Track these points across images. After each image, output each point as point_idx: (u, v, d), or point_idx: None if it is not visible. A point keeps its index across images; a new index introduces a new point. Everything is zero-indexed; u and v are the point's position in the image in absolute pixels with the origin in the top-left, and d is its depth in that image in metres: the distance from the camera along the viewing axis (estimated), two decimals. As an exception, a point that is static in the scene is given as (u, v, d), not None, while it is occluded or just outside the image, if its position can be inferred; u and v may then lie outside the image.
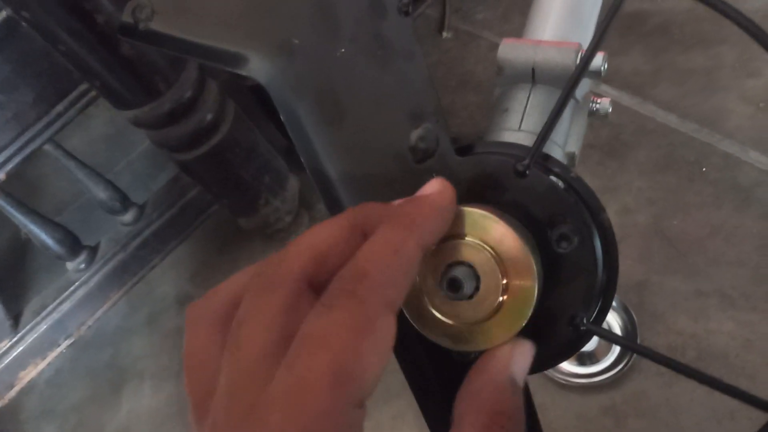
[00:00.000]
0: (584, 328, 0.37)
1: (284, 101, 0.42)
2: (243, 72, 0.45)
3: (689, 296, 0.94)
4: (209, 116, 0.94)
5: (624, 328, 0.91)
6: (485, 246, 0.34)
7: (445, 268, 0.34)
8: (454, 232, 0.33)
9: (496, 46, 0.45)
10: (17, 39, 0.79)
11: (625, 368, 0.88)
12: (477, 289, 0.34)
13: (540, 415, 0.37)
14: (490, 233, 0.34)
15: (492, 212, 0.34)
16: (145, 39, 0.45)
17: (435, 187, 0.27)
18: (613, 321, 0.92)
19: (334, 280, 0.19)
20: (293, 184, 1.18)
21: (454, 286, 0.33)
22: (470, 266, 0.34)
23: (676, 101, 1.14)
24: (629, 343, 0.44)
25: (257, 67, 0.43)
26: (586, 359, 0.91)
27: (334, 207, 0.41)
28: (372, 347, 0.18)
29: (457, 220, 0.33)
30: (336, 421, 0.17)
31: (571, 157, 0.49)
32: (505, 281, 0.33)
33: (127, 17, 0.46)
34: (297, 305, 0.19)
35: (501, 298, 0.34)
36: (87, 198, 0.99)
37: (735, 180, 1.02)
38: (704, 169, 1.05)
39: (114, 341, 1.27)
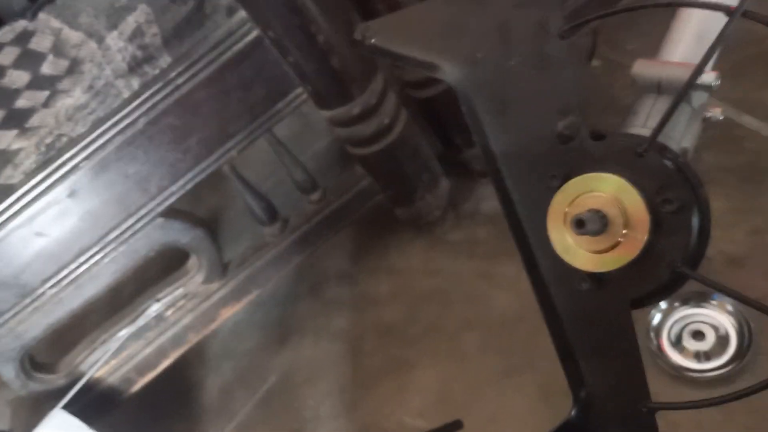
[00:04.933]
0: (679, 270, 0.50)
1: (466, 97, 0.59)
2: (437, 76, 0.63)
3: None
4: (386, 120, 1.16)
5: (739, 332, 0.98)
6: (617, 201, 0.48)
7: (584, 212, 0.49)
8: (596, 189, 0.46)
9: (642, 75, 0.57)
10: (259, 50, 1.06)
11: (737, 368, 0.96)
12: (603, 229, 0.48)
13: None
14: (621, 192, 0.48)
15: (622, 177, 0.48)
16: (369, 51, 0.66)
17: None
18: (729, 325, 0.99)
19: None
20: (444, 184, 1.36)
21: (579, 224, 0.49)
22: (599, 212, 0.48)
23: (818, 134, 1.18)
24: (720, 285, 0.45)
25: (449, 73, 0.60)
26: (701, 357, 1.00)
27: (496, 174, 0.58)
28: None
29: (599, 181, 0.47)
30: None
31: (685, 150, 0.60)
32: (625, 231, 0.48)
33: (357, 35, 0.67)
34: None
35: (620, 240, 0.48)
36: (281, 177, 1.26)
37: None
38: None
39: (283, 303, 1.52)
